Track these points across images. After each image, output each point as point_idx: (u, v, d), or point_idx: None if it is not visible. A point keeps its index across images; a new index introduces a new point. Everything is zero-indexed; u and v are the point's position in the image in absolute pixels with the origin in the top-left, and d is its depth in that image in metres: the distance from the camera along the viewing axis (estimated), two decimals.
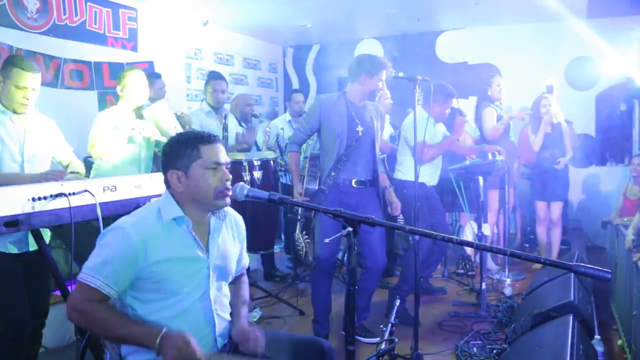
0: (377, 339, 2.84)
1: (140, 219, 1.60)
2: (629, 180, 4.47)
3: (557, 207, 4.58)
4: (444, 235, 1.44)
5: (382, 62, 3.01)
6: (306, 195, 3.21)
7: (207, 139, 1.65)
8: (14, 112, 2.36)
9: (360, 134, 3.04)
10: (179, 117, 3.25)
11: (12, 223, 1.73)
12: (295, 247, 3.57)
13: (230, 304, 1.82)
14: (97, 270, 1.50)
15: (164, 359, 1.47)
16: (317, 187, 3.17)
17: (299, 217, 3.52)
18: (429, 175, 3.73)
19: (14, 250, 2.30)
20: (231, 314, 1.81)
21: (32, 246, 2.31)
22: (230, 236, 1.80)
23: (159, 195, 2.12)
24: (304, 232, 3.51)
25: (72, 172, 2.51)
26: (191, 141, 1.63)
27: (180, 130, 3.16)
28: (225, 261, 1.75)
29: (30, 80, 2.32)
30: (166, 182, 1.68)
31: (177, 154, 1.63)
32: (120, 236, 1.53)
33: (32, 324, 2.39)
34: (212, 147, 1.64)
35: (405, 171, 3.67)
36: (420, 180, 3.00)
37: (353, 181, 3.09)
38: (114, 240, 1.53)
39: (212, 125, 3.97)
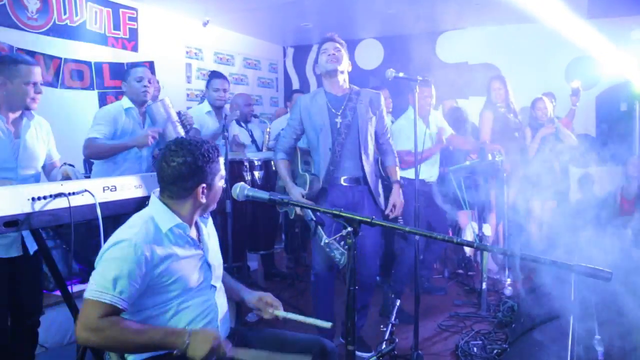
0: (371, 355, 2.56)
1: (140, 229, 1.58)
2: (624, 180, 4.47)
3: (552, 207, 4.56)
4: (444, 235, 1.45)
5: (319, 44, 2.99)
6: (310, 197, 2.92)
7: (219, 152, 1.74)
8: (27, 109, 2.31)
9: (338, 125, 2.86)
10: (181, 116, 3.22)
11: (12, 223, 1.73)
12: (330, 256, 2.71)
13: (228, 289, 1.92)
14: (110, 286, 1.48)
15: (194, 354, 1.50)
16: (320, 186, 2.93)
17: (312, 219, 2.82)
18: (426, 172, 3.74)
19: None
20: (235, 299, 1.95)
21: (17, 252, 2.28)
22: (211, 231, 1.89)
23: None
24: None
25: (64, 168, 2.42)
26: (213, 156, 1.69)
27: (181, 130, 3.14)
28: (215, 252, 1.85)
29: (37, 74, 2.29)
30: (184, 193, 1.67)
31: (205, 168, 1.67)
32: (129, 248, 1.51)
33: (26, 324, 2.38)
34: (221, 160, 1.76)
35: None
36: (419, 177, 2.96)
37: (342, 179, 2.89)
38: (122, 253, 1.51)
39: (210, 124, 3.86)
